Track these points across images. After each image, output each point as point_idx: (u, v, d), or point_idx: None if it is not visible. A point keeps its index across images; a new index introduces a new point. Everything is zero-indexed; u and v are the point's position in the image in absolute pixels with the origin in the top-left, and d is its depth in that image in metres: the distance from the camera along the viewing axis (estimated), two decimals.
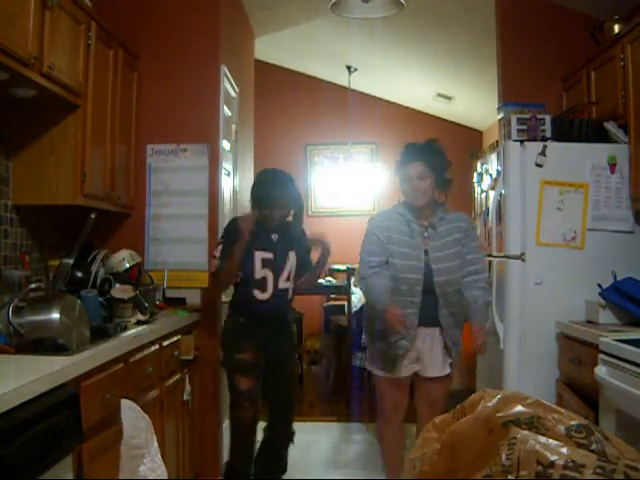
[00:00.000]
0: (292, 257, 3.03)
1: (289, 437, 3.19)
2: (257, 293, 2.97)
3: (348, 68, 6.27)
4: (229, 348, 3.05)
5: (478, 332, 2.72)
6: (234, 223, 3.02)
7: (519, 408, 1.04)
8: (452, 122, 6.97)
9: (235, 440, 3.07)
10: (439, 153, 2.84)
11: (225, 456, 3.66)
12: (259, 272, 2.96)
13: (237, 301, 3.10)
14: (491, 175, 3.64)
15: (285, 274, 3.00)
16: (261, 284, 2.97)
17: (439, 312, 2.75)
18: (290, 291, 3.06)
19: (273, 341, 3.05)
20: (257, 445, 3.16)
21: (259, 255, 2.96)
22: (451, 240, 2.78)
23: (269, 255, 2.98)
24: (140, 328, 2.73)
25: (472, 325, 2.76)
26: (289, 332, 3.24)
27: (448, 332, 2.77)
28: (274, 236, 3.01)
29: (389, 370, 2.83)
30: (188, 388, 3.18)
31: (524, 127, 3.27)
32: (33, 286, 2.57)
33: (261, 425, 3.15)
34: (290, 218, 3.09)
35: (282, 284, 3.00)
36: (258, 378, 3.02)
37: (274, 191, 2.94)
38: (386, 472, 3.03)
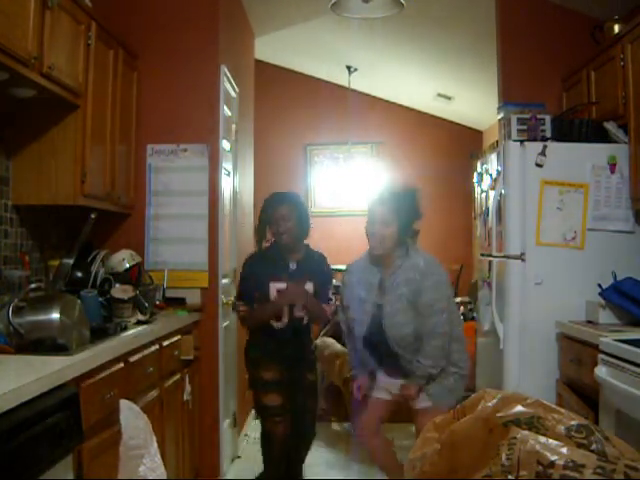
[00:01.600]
0: (309, 287, 3.03)
1: (306, 448, 3.24)
2: (273, 322, 3.02)
3: (348, 68, 6.27)
4: (254, 367, 3.10)
5: (409, 390, 2.72)
6: (246, 268, 3.11)
7: (519, 408, 1.04)
8: (452, 122, 6.97)
9: (269, 455, 3.11)
10: (411, 202, 2.77)
11: (225, 456, 3.66)
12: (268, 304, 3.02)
13: (256, 328, 3.16)
14: (491, 175, 3.63)
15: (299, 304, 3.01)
16: (278, 314, 3.01)
17: (402, 364, 2.73)
18: (305, 318, 3.05)
19: (294, 368, 3.08)
20: None
21: (274, 286, 3.00)
22: (407, 292, 2.68)
23: (282, 285, 2.99)
24: (140, 328, 2.73)
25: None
26: (308, 359, 3.20)
27: (421, 376, 2.71)
28: (292, 265, 3.04)
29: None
30: (188, 388, 3.18)
31: (524, 127, 3.27)
32: (33, 286, 2.57)
33: None
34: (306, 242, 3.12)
35: (297, 313, 3.02)
36: (284, 394, 3.05)
37: (281, 213, 2.98)
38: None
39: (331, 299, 3.11)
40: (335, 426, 4.59)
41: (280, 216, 2.98)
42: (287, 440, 3.07)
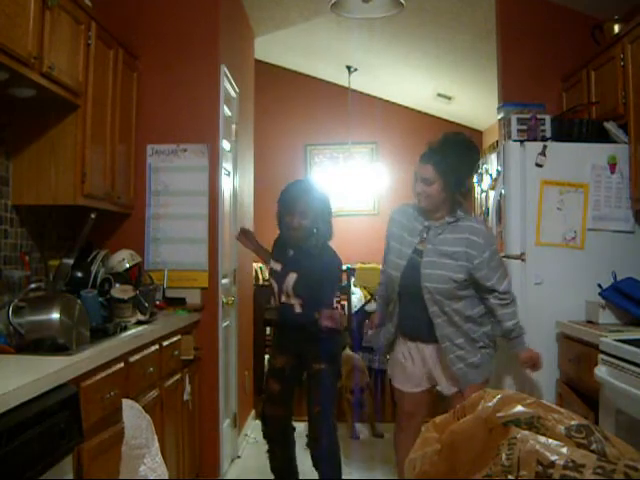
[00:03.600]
0: (291, 277, 2.99)
1: (329, 439, 3.06)
2: (271, 298, 3.22)
3: (348, 68, 6.28)
4: (270, 353, 3.32)
5: (525, 358, 2.70)
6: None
7: (519, 408, 1.04)
8: (452, 122, 6.97)
9: (265, 439, 3.18)
10: (457, 154, 2.62)
11: (225, 456, 3.67)
12: (270, 279, 3.15)
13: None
14: (491, 175, 3.64)
15: (284, 289, 3.02)
16: (272, 291, 3.14)
17: (434, 322, 2.60)
18: (296, 307, 3.01)
19: (298, 357, 3.10)
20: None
21: (271, 264, 3.14)
22: (453, 251, 2.58)
23: (277, 266, 3.09)
24: (140, 328, 2.73)
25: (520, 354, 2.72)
26: (314, 347, 3.05)
27: (449, 346, 2.59)
28: (290, 251, 3.07)
29: (394, 381, 2.84)
30: (188, 388, 3.18)
31: (524, 127, 3.26)
32: (33, 286, 2.57)
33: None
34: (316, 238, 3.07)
35: (283, 298, 3.05)
36: (283, 382, 3.10)
37: (294, 205, 2.97)
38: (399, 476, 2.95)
39: (332, 303, 3.07)
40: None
41: (288, 211, 2.99)
42: (278, 427, 3.13)
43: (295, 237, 3.03)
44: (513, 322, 2.67)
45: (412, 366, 2.74)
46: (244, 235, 3.36)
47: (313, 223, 3.01)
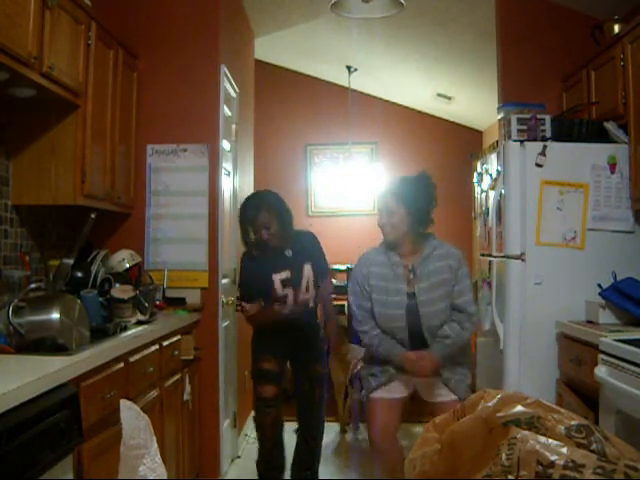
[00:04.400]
0: (307, 269, 3.10)
1: (315, 437, 3.28)
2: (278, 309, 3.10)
3: (348, 68, 6.27)
4: (255, 357, 3.20)
5: (425, 357, 2.67)
6: (244, 266, 3.18)
7: (519, 408, 1.04)
8: (452, 122, 6.97)
9: (260, 444, 3.22)
10: (417, 189, 2.74)
11: (225, 456, 3.66)
12: (282, 291, 3.08)
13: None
14: (491, 175, 3.63)
15: (304, 287, 3.10)
16: (283, 301, 3.09)
17: (429, 346, 2.68)
18: (311, 301, 3.14)
19: (299, 350, 3.18)
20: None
21: (277, 277, 3.08)
22: (439, 281, 2.68)
23: (286, 274, 3.08)
24: (140, 328, 2.73)
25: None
26: (314, 340, 3.24)
27: (446, 373, 2.69)
28: (288, 252, 3.10)
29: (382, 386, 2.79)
30: (188, 388, 3.18)
31: (524, 127, 3.26)
32: (33, 286, 2.57)
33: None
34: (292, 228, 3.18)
35: (302, 297, 3.10)
36: (281, 386, 3.18)
37: (250, 217, 3.05)
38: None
39: (328, 269, 3.26)
40: (336, 426, 4.58)
41: (260, 224, 3.03)
42: (276, 430, 3.19)
43: (281, 239, 3.07)
44: (457, 343, 2.71)
45: (396, 382, 2.78)
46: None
47: (284, 224, 3.09)
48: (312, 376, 3.21)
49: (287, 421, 3.31)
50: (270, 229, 3.03)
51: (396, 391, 2.78)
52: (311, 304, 3.16)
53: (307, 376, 3.21)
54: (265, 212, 3.03)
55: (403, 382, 2.77)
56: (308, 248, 3.16)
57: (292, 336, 3.13)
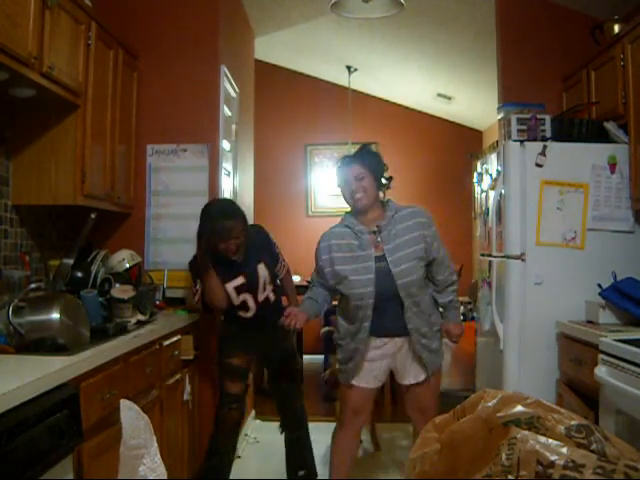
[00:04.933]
0: (262, 269, 3.04)
1: (299, 428, 3.29)
2: (242, 313, 3.08)
3: (348, 68, 6.27)
4: (222, 353, 3.18)
5: (455, 328, 2.80)
6: (194, 261, 3.04)
7: (519, 408, 1.04)
8: (452, 122, 6.97)
9: (216, 440, 3.16)
10: (374, 155, 2.82)
11: None
12: (237, 299, 3.03)
13: (226, 318, 3.20)
14: (491, 175, 3.63)
15: (261, 288, 3.05)
16: (243, 306, 3.05)
17: (406, 315, 2.64)
18: (272, 296, 3.10)
19: (270, 349, 3.18)
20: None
21: (231, 285, 3.00)
22: (409, 238, 2.66)
23: (240, 281, 3.00)
24: (140, 328, 2.73)
25: (448, 324, 2.79)
26: (283, 336, 3.19)
27: (417, 335, 2.65)
28: (237, 257, 2.98)
29: (350, 378, 2.77)
30: (188, 388, 3.18)
31: (524, 127, 3.26)
32: (33, 286, 2.57)
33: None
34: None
35: (261, 297, 3.06)
36: (247, 383, 3.22)
37: (220, 226, 2.88)
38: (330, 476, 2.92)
39: (281, 258, 3.19)
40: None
41: (233, 234, 2.90)
42: (236, 426, 3.18)
43: (239, 247, 2.97)
44: (454, 296, 2.81)
45: (374, 362, 2.73)
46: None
47: (244, 230, 2.97)
48: (286, 373, 3.24)
49: (271, 420, 3.32)
50: (239, 239, 2.93)
51: (374, 380, 2.77)
52: (272, 298, 3.09)
53: (282, 373, 3.24)
54: (238, 222, 2.92)
55: (383, 364, 2.75)
56: (258, 246, 3.06)
57: (260, 335, 3.10)
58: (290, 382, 3.26)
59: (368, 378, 2.76)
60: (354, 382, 2.76)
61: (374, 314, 2.65)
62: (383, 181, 2.79)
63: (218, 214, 2.92)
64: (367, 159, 2.75)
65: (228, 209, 2.99)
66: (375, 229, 2.68)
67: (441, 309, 2.83)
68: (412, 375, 2.74)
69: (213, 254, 2.94)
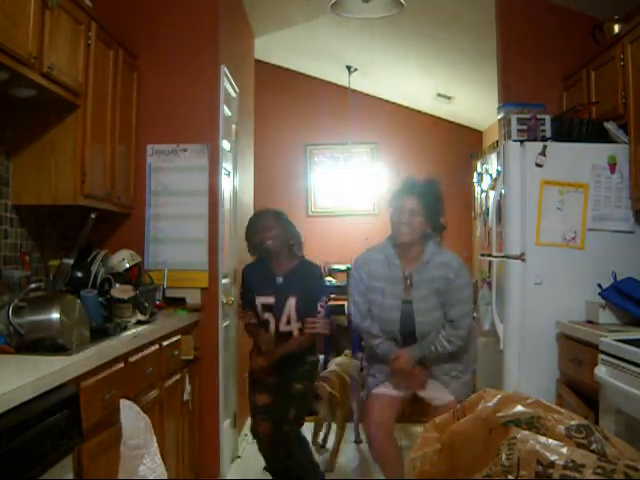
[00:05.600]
0: (291, 302, 3.06)
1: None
2: (259, 342, 3.14)
3: (348, 68, 6.27)
4: (251, 363, 3.21)
5: (402, 357, 2.71)
6: (243, 277, 3.26)
7: (519, 408, 1.04)
8: (452, 122, 6.97)
9: (260, 451, 3.20)
10: (437, 195, 2.80)
11: (225, 456, 3.67)
12: (262, 315, 3.10)
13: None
14: (491, 175, 3.63)
15: (284, 318, 3.07)
16: (265, 325, 3.11)
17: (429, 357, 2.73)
18: (295, 332, 3.09)
19: (281, 375, 3.12)
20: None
21: (260, 300, 3.10)
22: (433, 290, 2.70)
23: (270, 300, 3.08)
24: (140, 328, 2.73)
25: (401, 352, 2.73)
26: (298, 369, 3.13)
27: (439, 370, 2.74)
28: (279, 279, 3.08)
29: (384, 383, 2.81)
30: (188, 388, 3.18)
31: (524, 127, 3.26)
32: (33, 286, 2.57)
33: None
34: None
35: (283, 327, 3.07)
36: (271, 397, 3.14)
37: (260, 235, 3.07)
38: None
39: (319, 312, 3.07)
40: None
41: (262, 236, 3.06)
42: (270, 439, 3.13)
43: (276, 261, 3.07)
44: (440, 353, 2.74)
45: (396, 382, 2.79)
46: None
47: (286, 240, 3.10)
48: (289, 393, 3.10)
49: None
50: (271, 232, 3.05)
51: (394, 389, 2.79)
52: (295, 333, 3.09)
53: (284, 396, 3.11)
54: (270, 218, 3.08)
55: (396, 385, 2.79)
56: (301, 280, 3.08)
57: (281, 362, 3.09)
58: (288, 406, 3.08)
59: (390, 388, 2.80)
60: (384, 391, 2.80)
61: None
62: (437, 223, 2.78)
63: (257, 211, 3.20)
64: (429, 198, 2.73)
65: (265, 209, 3.23)
66: (408, 272, 2.72)
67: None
68: (437, 397, 2.76)
69: (258, 264, 3.14)
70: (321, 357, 5.82)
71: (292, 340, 3.08)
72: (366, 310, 2.79)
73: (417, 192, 2.72)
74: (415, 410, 3.04)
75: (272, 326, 3.09)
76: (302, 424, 3.18)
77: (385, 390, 2.80)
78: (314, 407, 3.68)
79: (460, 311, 2.73)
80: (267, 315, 3.10)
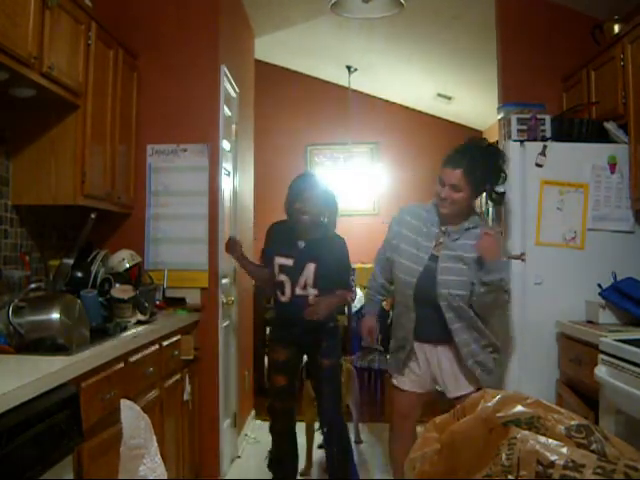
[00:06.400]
0: (310, 267, 3.05)
1: (340, 433, 3.15)
2: (279, 295, 3.12)
3: (348, 68, 6.28)
4: (270, 348, 3.26)
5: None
6: (267, 234, 3.28)
7: (519, 408, 1.04)
8: (452, 122, 6.97)
9: (272, 435, 3.22)
10: (489, 163, 2.55)
11: (225, 456, 3.67)
12: (278, 276, 3.10)
13: (274, 303, 3.26)
14: None
15: (302, 282, 3.06)
16: (281, 287, 3.10)
17: (451, 327, 2.54)
18: (311, 298, 3.05)
19: (310, 344, 3.13)
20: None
21: (278, 260, 3.10)
22: (468, 258, 2.53)
23: (288, 262, 3.08)
24: (140, 328, 2.73)
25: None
26: (323, 343, 3.12)
27: (466, 351, 2.55)
28: (300, 243, 3.09)
29: (396, 376, 2.77)
30: (188, 388, 3.18)
31: (524, 127, 3.26)
32: (33, 286, 2.57)
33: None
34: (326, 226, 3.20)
35: (299, 291, 3.06)
36: (294, 377, 3.18)
37: (305, 192, 3.07)
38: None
39: (351, 285, 3.17)
40: None
41: (297, 203, 3.06)
42: (287, 420, 3.18)
43: (306, 226, 3.07)
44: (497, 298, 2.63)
45: (419, 367, 2.71)
46: (231, 245, 3.32)
47: (322, 213, 3.13)
48: (319, 369, 3.13)
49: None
50: (307, 216, 3.04)
51: (419, 385, 2.73)
52: (310, 301, 3.05)
53: (315, 369, 3.18)
54: (315, 199, 3.08)
55: (426, 371, 2.70)
56: (324, 251, 3.07)
57: (302, 329, 3.07)
58: (320, 381, 3.15)
59: (413, 382, 2.73)
60: (401, 385, 2.76)
61: (417, 314, 2.62)
62: (492, 195, 2.63)
63: (302, 178, 3.20)
64: (478, 169, 2.51)
65: (312, 177, 3.28)
66: (444, 230, 2.61)
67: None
68: (457, 388, 2.63)
69: (286, 226, 3.15)
70: None
71: (334, 296, 3.07)
72: (383, 265, 2.79)
73: (463, 163, 2.52)
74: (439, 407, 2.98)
75: (287, 288, 3.07)
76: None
77: (411, 385, 2.74)
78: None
79: (500, 275, 2.50)
80: (283, 277, 3.08)
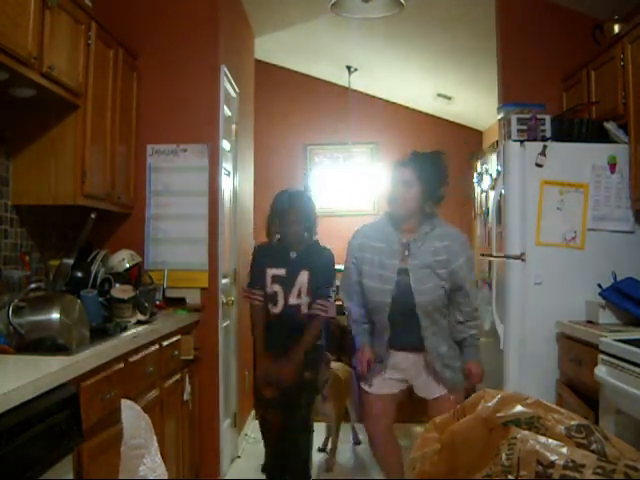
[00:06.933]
0: (303, 275, 3.03)
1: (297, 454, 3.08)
2: (271, 307, 3.06)
3: (348, 68, 6.27)
4: (256, 358, 3.14)
5: (474, 369, 2.68)
6: (253, 254, 3.22)
7: (519, 408, 1.04)
8: (452, 122, 6.96)
9: (264, 444, 3.16)
10: (435, 164, 2.70)
11: (225, 456, 3.67)
12: (270, 287, 3.05)
13: (264, 315, 3.17)
14: (491, 175, 3.64)
15: (295, 291, 3.03)
16: (273, 298, 3.04)
17: (424, 335, 2.62)
18: (304, 307, 3.04)
19: (286, 356, 3.04)
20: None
21: (270, 272, 3.06)
22: (435, 261, 2.61)
23: (281, 271, 3.05)
24: (140, 328, 2.73)
25: (469, 363, 2.69)
26: (307, 355, 3.06)
27: (436, 355, 2.63)
28: (292, 254, 3.07)
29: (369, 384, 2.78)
30: (188, 388, 3.18)
31: (524, 127, 3.26)
32: (33, 286, 2.57)
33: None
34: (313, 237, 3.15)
35: (292, 300, 3.03)
36: (277, 387, 3.05)
37: (293, 203, 3.04)
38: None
39: (330, 296, 3.08)
40: None
41: (287, 216, 3.03)
42: (279, 431, 3.09)
43: (297, 235, 3.05)
44: (475, 331, 2.73)
45: (391, 372, 2.74)
46: None
47: (310, 221, 3.09)
48: (298, 384, 3.03)
49: None
50: (297, 226, 3.03)
51: (390, 386, 2.76)
52: (305, 311, 3.04)
53: (293, 384, 3.04)
54: (303, 208, 3.06)
55: (398, 376, 2.75)
56: (315, 259, 3.08)
57: (286, 337, 3.04)
58: (296, 394, 3.03)
59: (383, 386, 2.75)
60: (371, 391, 2.77)
61: (392, 327, 2.66)
62: (437, 194, 2.69)
63: (289, 189, 3.18)
64: (425, 168, 2.65)
65: (292, 192, 3.18)
66: (405, 241, 2.66)
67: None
68: (430, 391, 2.70)
69: (280, 238, 3.09)
70: None
71: (304, 340, 3.01)
72: (353, 286, 2.77)
73: (415, 166, 2.65)
74: (416, 410, 3.02)
75: (281, 299, 3.04)
76: (312, 410, 3.17)
77: (383, 388, 2.77)
78: (323, 393, 3.63)
79: (469, 292, 2.66)
80: (276, 287, 3.04)
